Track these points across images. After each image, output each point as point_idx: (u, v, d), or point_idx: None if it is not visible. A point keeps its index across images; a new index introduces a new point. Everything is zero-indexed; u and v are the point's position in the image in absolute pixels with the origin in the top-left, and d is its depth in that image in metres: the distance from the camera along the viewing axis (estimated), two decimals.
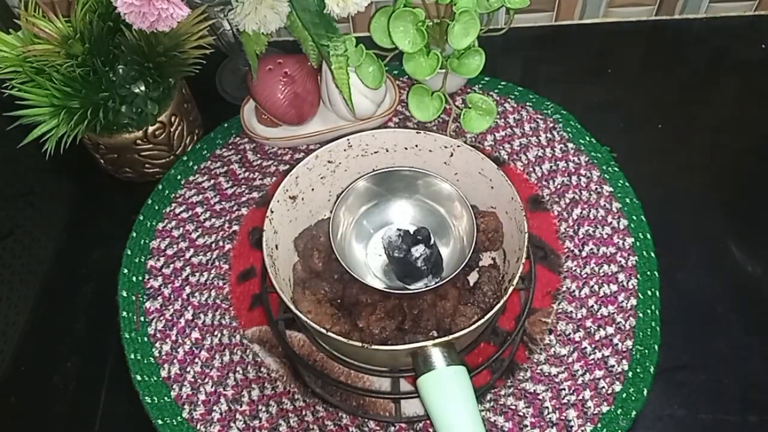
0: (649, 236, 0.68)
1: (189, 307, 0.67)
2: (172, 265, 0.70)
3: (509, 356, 0.62)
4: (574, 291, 0.66)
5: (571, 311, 0.65)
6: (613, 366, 0.61)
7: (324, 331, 0.54)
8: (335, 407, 0.61)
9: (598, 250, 0.68)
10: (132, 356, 0.63)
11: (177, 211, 0.74)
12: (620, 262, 0.67)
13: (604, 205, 0.71)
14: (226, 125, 0.81)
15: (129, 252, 0.70)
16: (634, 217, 0.70)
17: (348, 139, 0.64)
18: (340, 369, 0.62)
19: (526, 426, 0.59)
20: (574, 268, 0.67)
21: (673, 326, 0.63)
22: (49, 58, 0.64)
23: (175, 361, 0.63)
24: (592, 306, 0.65)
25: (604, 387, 0.60)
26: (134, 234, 0.71)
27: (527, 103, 0.80)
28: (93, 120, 0.66)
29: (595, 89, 0.83)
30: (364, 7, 0.62)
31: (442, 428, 0.49)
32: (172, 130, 0.74)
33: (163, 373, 0.63)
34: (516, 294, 0.65)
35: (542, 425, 0.59)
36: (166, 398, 0.61)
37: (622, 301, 0.65)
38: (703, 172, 0.75)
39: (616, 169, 0.74)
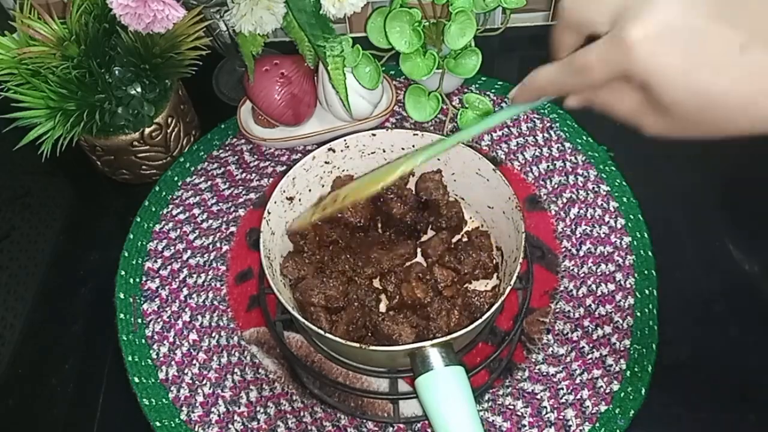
0: (646, 235, 0.69)
1: (186, 309, 0.67)
2: (169, 267, 0.69)
3: (507, 356, 0.62)
4: (571, 290, 0.66)
5: (569, 311, 0.65)
6: (611, 365, 0.61)
7: (322, 332, 0.54)
8: (333, 408, 0.60)
9: (595, 249, 0.68)
10: (130, 358, 0.63)
11: (174, 212, 0.73)
12: (618, 261, 0.67)
13: (602, 204, 0.71)
14: (222, 126, 0.81)
15: (126, 254, 0.70)
16: (632, 216, 0.70)
17: (345, 140, 0.64)
18: (339, 370, 0.62)
19: (525, 426, 0.59)
20: (571, 268, 0.67)
21: (671, 325, 0.63)
22: (44, 60, 0.64)
23: (172, 362, 0.63)
24: (590, 305, 0.65)
25: (602, 386, 0.60)
26: (131, 236, 0.71)
27: None
28: (89, 122, 0.66)
29: None
30: (360, 7, 0.63)
31: (440, 428, 0.49)
32: (168, 131, 0.74)
33: (161, 375, 0.63)
34: (514, 294, 0.65)
35: (540, 425, 0.59)
36: (164, 400, 0.61)
37: (620, 300, 0.65)
38: (700, 171, 0.75)
39: (613, 168, 0.74)
